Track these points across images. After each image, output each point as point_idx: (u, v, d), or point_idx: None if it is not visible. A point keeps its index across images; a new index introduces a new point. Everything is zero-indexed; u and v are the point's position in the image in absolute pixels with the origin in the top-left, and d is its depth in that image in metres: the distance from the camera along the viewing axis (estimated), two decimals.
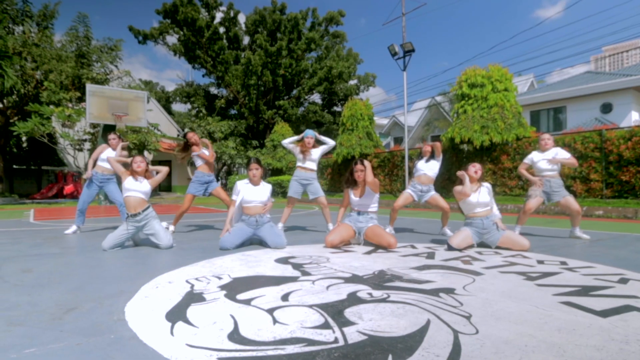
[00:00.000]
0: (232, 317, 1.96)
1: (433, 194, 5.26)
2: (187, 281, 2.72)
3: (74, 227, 5.67)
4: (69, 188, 19.99)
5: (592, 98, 21.81)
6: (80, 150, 18.18)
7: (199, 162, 5.66)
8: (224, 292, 2.43)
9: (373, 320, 1.89)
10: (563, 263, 3.31)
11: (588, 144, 9.74)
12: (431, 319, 1.89)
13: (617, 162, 9.26)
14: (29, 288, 2.58)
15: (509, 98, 11.72)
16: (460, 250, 3.89)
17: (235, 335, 1.72)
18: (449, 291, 2.40)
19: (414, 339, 1.65)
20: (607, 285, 2.56)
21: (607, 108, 21.61)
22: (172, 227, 5.54)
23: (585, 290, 2.43)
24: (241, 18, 28.75)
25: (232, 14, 26.82)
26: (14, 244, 4.64)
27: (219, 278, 2.80)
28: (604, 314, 1.98)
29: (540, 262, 3.37)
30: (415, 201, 5.33)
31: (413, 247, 4.23)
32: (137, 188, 4.27)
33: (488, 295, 2.33)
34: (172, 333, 1.76)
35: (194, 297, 2.33)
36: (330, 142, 5.81)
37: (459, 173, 4.14)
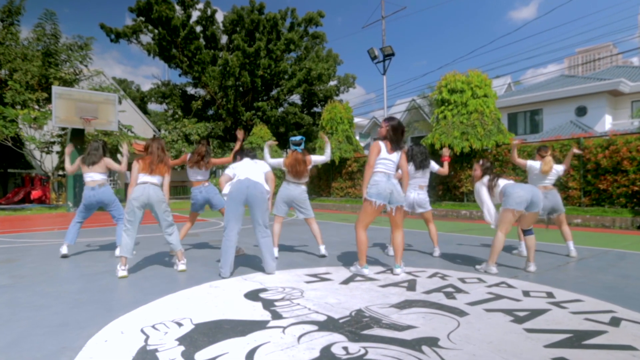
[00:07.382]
0: None
1: None
2: (142, 330, 2.42)
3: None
4: (36, 192, 19.13)
5: (568, 101, 22.20)
6: (49, 153, 17.37)
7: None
8: (182, 347, 2.15)
9: None
10: (549, 295, 3.14)
11: (566, 151, 9.76)
12: None
13: (595, 171, 9.31)
14: None
15: (489, 104, 11.70)
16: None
17: None
18: (432, 342, 2.18)
19: None
20: (600, 329, 2.39)
21: (582, 111, 22.01)
22: None
23: (577, 338, 2.25)
24: (219, 17, 28.21)
25: (209, 13, 26.22)
26: None
27: (179, 325, 2.51)
28: None
29: (526, 293, 3.19)
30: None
31: (392, 272, 4.01)
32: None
33: (474, 348, 2.11)
34: None
35: (146, 357, 2.04)
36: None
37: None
